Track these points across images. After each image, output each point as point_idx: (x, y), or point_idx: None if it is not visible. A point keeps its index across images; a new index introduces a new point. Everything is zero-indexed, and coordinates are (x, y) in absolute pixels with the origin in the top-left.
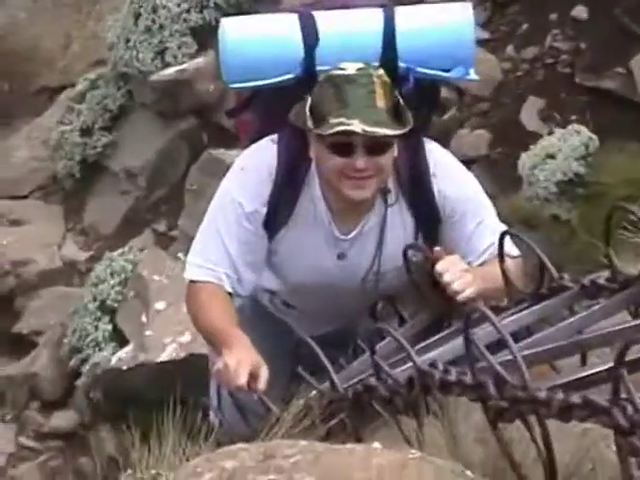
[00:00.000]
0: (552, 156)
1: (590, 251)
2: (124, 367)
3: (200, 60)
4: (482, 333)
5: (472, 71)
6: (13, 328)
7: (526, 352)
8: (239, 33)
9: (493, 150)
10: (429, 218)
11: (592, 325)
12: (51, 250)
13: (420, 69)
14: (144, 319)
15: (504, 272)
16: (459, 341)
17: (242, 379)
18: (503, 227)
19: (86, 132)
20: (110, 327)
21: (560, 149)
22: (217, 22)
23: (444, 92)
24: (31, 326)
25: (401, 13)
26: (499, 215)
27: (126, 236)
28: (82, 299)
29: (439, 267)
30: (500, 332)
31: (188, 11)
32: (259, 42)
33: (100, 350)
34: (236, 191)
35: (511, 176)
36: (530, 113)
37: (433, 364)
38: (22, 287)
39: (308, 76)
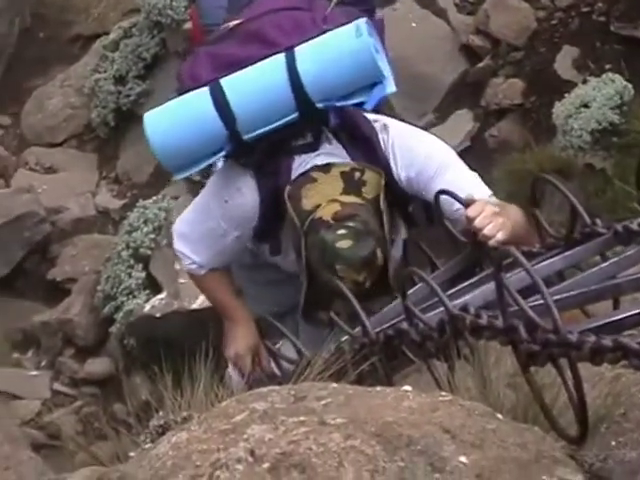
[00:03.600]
0: (586, 105)
1: (624, 200)
2: (157, 314)
3: None
4: (514, 278)
5: (390, 82)
6: (47, 275)
7: (558, 297)
8: (160, 130)
9: (527, 99)
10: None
11: (624, 270)
12: (85, 198)
13: (337, 103)
14: (177, 267)
15: (535, 217)
16: (490, 286)
17: (246, 368)
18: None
19: (120, 80)
20: (143, 275)
21: (594, 98)
22: None
23: (479, 40)
24: (65, 273)
25: (301, 55)
26: (534, 164)
27: (159, 184)
28: (115, 247)
29: (470, 212)
30: (532, 276)
31: None
32: (183, 137)
33: (133, 298)
34: (222, 219)
35: (545, 125)
36: (564, 62)
37: (465, 308)
38: (56, 234)
39: (239, 146)
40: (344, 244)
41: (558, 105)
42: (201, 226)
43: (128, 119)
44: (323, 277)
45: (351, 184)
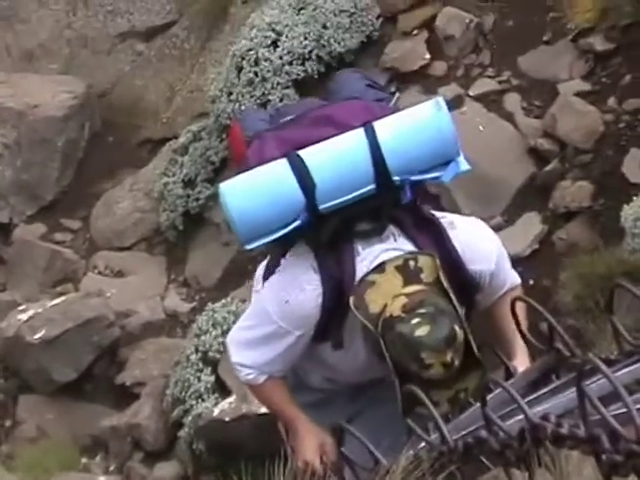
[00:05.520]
0: None
1: None
2: (227, 418)
3: None
4: (594, 386)
5: (462, 161)
6: (116, 379)
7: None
8: (240, 200)
9: (595, 202)
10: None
11: None
12: (154, 301)
13: (414, 177)
14: None
15: (612, 324)
16: (570, 393)
17: (318, 473)
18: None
19: (189, 184)
20: (212, 378)
21: None
22: (319, 74)
23: (546, 144)
24: (134, 377)
25: (381, 128)
26: (602, 267)
27: (227, 287)
28: (184, 350)
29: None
30: (614, 384)
31: (290, 63)
32: (261, 204)
33: (202, 401)
34: (282, 321)
35: (614, 228)
36: (632, 165)
37: (545, 417)
38: (125, 338)
39: (315, 217)
40: (422, 331)
41: (626, 208)
42: (259, 332)
43: (196, 222)
44: (412, 370)
45: (409, 275)
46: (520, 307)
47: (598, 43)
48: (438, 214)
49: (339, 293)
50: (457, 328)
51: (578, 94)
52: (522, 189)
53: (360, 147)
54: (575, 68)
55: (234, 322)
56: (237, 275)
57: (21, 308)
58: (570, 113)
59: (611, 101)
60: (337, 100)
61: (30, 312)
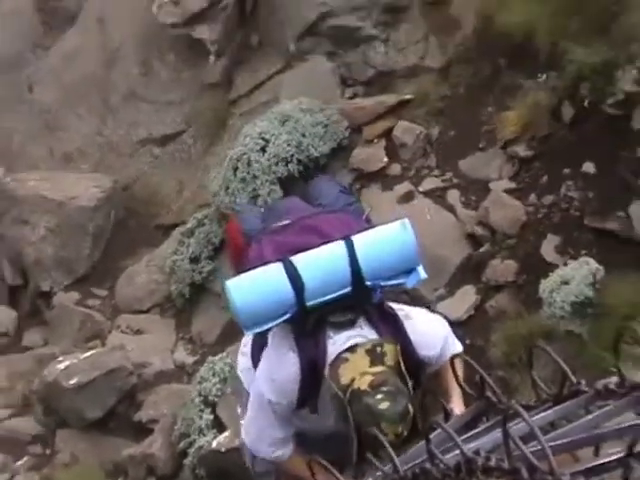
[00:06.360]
0: (567, 282)
1: (597, 360)
2: (223, 449)
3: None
4: (516, 427)
5: (421, 270)
6: (134, 417)
7: (552, 443)
8: (243, 295)
9: (519, 277)
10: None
11: (605, 422)
12: (165, 355)
13: (383, 282)
14: (239, 410)
15: (532, 378)
16: (497, 433)
17: None
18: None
19: (194, 260)
20: (212, 417)
21: (573, 277)
22: (299, 173)
23: (481, 230)
24: (149, 415)
25: (358, 242)
26: (525, 329)
27: (225, 344)
28: (189, 394)
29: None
30: (531, 427)
31: (276, 164)
32: (260, 299)
33: (203, 435)
34: (272, 395)
35: (534, 298)
36: (549, 247)
37: (477, 451)
38: (142, 384)
39: (302, 311)
40: (384, 405)
41: (544, 282)
42: (261, 414)
43: (200, 291)
44: (370, 433)
45: (375, 357)
46: (458, 362)
47: (521, 150)
48: (396, 306)
49: (314, 370)
50: (409, 406)
51: (506, 191)
52: (460, 266)
53: (341, 256)
54: (504, 170)
55: (229, 372)
56: (233, 334)
57: (59, 359)
58: (500, 206)
59: (532, 197)
60: (317, 205)
61: (66, 362)
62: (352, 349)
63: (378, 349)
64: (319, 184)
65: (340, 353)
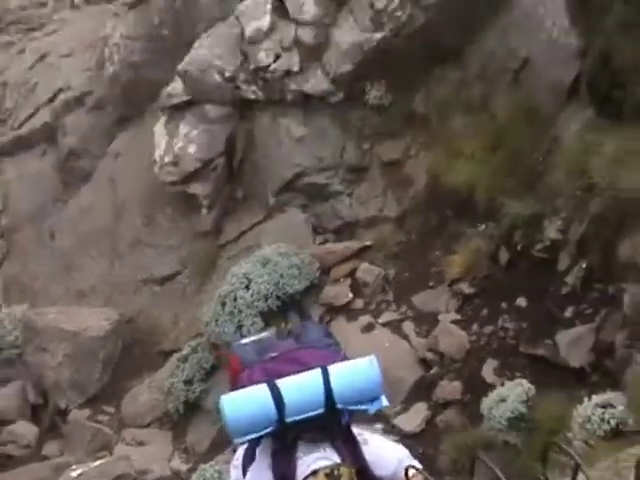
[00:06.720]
0: (504, 400)
1: (529, 469)
2: None
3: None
4: None
5: (384, 399)
6: None
7: None
8: (233, 408)
9: (464, 396)
10: None
11: None
12: (163, 463)
13: (351, 407)
14: None
15: None
16: None
17: None
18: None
19: (188, 382)
20: None
21: (509, 395)
22: (277, 308)
23: (431, 355)
24: None
25: (332, 371)
26: (469, 440)
27: (215, 453)
28: None
29: None
30: None
31: (258, 300)
32: (247, 414)
33: None
34: None
35: (476, 414)
36: (488, 370)
37: None
38: None
39: (281, 426)
40: None
41: (485, 400)
42: None
43: (194, 409)
44: None
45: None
46: (412, 472)
47: (465, 288)
48: (357, 431)
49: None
50: None
51: (453, 322)
52: (414, 386)
53: (317, 381)
54: (450, 304)
55: (218, 478)
56: (221, 445)
57: (73, 467)
58: (447, 335)
59: (474, 327)
60: (301, 343)
61: (79, 470)
62: (315, 473)
63: (336, 472)
64: (308, 327)
65: (305, 477)
